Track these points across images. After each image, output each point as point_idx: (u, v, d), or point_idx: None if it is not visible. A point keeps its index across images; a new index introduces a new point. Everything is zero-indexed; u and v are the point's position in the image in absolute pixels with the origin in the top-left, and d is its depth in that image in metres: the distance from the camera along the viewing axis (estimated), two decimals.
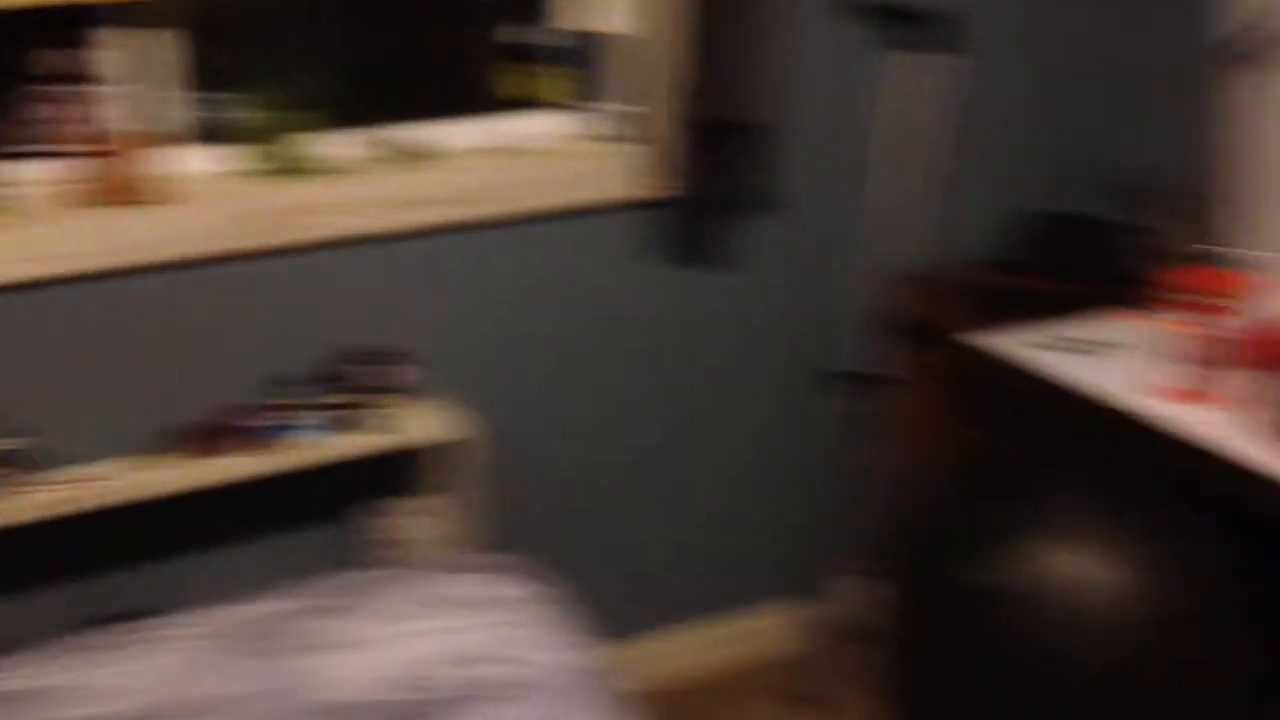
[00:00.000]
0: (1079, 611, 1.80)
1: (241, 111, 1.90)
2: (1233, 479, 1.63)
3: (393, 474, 2.00)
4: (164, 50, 1.84)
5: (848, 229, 2.25)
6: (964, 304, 2.17)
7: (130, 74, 1.81)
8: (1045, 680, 1.83)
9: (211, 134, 1.90)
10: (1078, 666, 1.81)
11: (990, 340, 2.02)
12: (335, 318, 1.94)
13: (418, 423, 1.91)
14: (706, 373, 2.26)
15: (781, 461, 2.36)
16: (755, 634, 2.43)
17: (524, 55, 2.11)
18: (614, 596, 2.24)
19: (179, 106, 1.88)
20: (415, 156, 1.97)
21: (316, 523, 2.02)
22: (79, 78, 1.79)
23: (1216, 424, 1.70)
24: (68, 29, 1.77)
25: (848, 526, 2.32)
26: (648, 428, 2.24)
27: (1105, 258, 2.21)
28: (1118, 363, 1.90)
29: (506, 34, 2.10)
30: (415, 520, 1.99)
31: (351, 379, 1.91)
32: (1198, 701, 1.80)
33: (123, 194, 1.75)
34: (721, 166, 2.03)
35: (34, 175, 1.78)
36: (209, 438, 1.81)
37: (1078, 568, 1.82)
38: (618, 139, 2.07)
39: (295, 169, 1.89)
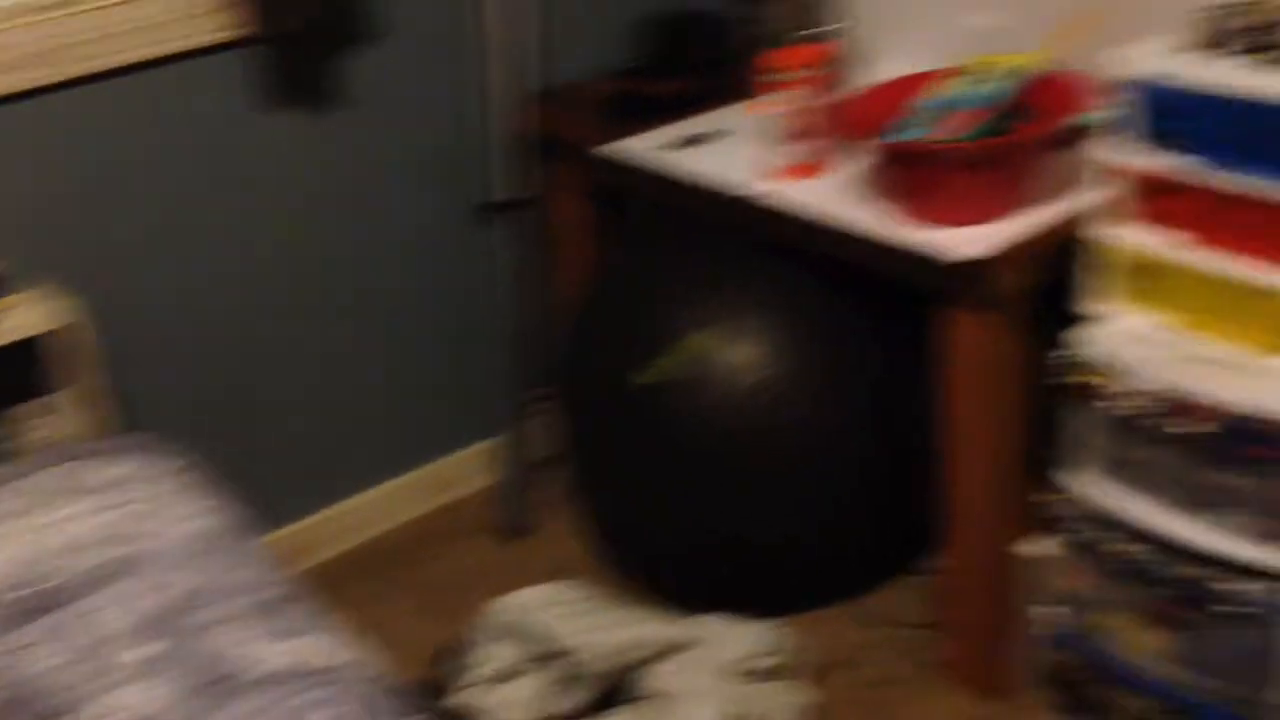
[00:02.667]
0: (737, 394, 1.89)
1: None
2: (841, 243, 1.72)
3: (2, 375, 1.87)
4: None
5: (464, 50, 2.19)
6: (593, 115, 2.17)
7: None
8: (711, 465, 1.93)
9: None
10: (739, 447, 1.92)
11: (618, 148, 2.03)
12: None
13: (16, 317, 1.78)
14: (346, 219, 2.18)
15: (450, 302, 2.34)
16: (454, 479, 2.44)
17: None
18: (293, 468, 2.20)
19: None
20: None
21: None
22: None
23: (826, 194, 1.78)
24: None
25: (525, 356, 2.33)
26: (294, 287, 2.17)
27: (721, 51, 2.26)
28: (736, 150, 1.95)
29: None
30: (38, 420, 1.87)
31: None
32: (841, 466, 1.94)
33: None
34: None
35: None
36: None
37: (732, 353, 1.90)
38: None
39: None
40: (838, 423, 1.91)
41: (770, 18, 2.21)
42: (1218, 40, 1.37)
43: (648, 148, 2.02)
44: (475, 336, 2.36)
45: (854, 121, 1.72)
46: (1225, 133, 1.36)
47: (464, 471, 2.44)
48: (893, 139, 1.65)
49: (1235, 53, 1.36)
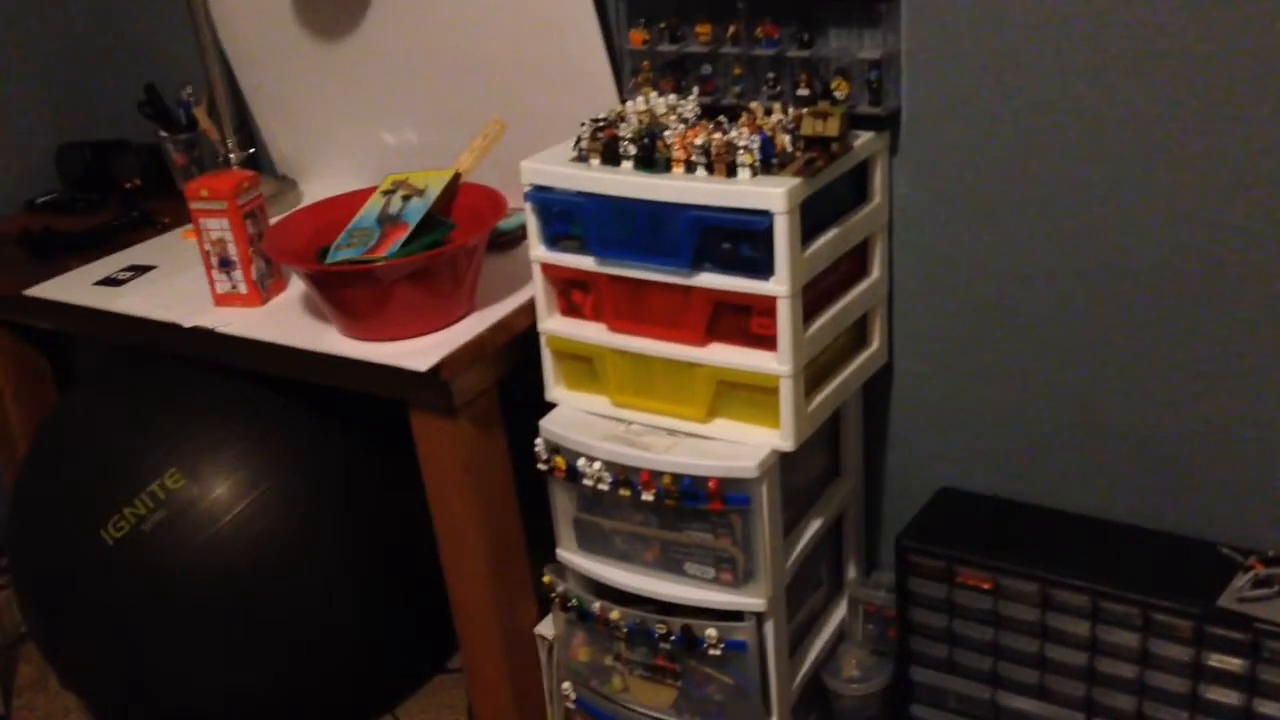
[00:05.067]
0: (220, 532, 1.80)
1: None
2: (294, 364, 1.68)
3: None
4: None
5: None
6: (11, 254, 2.00)
7: None
8: (206, 613, 1.81)
9: None
10: (232, 588, 1.82)
11: (47, 288, 1.90)
12: None
13: None
14: None
15: None
16: None
17: None
18: None
19: None
20: None
21: None
22: None
23: (269, 318, 1.75)
24: None
25: None
26: None
27: (148, 180, 2.17)
28: (172, 281, 1.89)
29: None
30: None
31: None
32: (345, 583, 1.90)
33: None
34: None
35: None
36: None
37: (209, 490, 1.80)
38: None
39: None
40: (334, 541, 1.87)
41: (196, 144, 2.14)
42: (602, 147, 1.49)
43: (79, 285, 1.91)
44: None
45: (286, 246, 1.70)
46: (608, 230, 1.48)
47: None
48: (326, 261, 1.65)
49: (612, 159, 1.48)
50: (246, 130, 2.19)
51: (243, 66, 2.14)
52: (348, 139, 2.06)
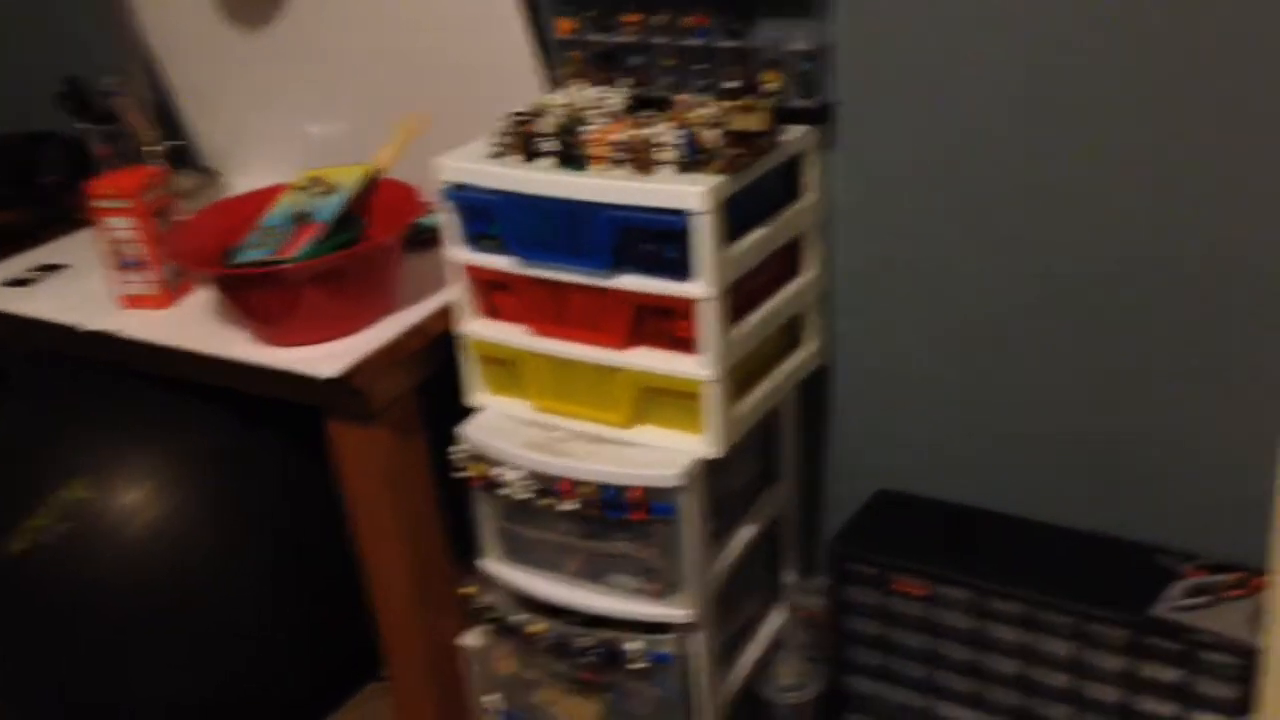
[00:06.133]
0: (131, 543, 1.73)
1: None
2: (204, 369, 1.62)
3: None
4: None
5: None
6: None
7: None
8: (119, 629, 1.74)
9: None
10: (145, 601, 1.75)
11: None
12: None
13: None
14: None
15: None
16: None
17: None
18: None
19: None
20: None
21: None
22: None
23: (178, 322, 1.68)
24: None
25: None
26: None
27: (68, 176, 2.09)
28: (81, 282, 1.82)
29: None
30: None
31: None
32: (265, 594, 1.83)
33: None
34: None
35: None
36: None
37: (117, 499, 1.73)
38: None
39: None
40: (257, 547, 1.80)
41: (120, 136, 2.06)
42: (520, 143, 1.43)
43: None
44: None
45: (193, 246, 1.63)
46: (526, 229, 1.42)
47: None
48: (233, 262, 1.58)
49: (531, 155, 1.42)
50: (171, 122, 2.12)
51: (165, 56, 2.07)
52: (274, 131, 1.98)
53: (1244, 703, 1.38)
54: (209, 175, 2.09)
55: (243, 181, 2.00)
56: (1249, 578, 1.45)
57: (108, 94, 2.11)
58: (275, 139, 1.97)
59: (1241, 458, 1.46)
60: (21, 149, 2.14)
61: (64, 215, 2.02)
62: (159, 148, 2.03)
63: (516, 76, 1.72)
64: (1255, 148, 1.33)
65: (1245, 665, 1.36)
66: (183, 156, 2.11)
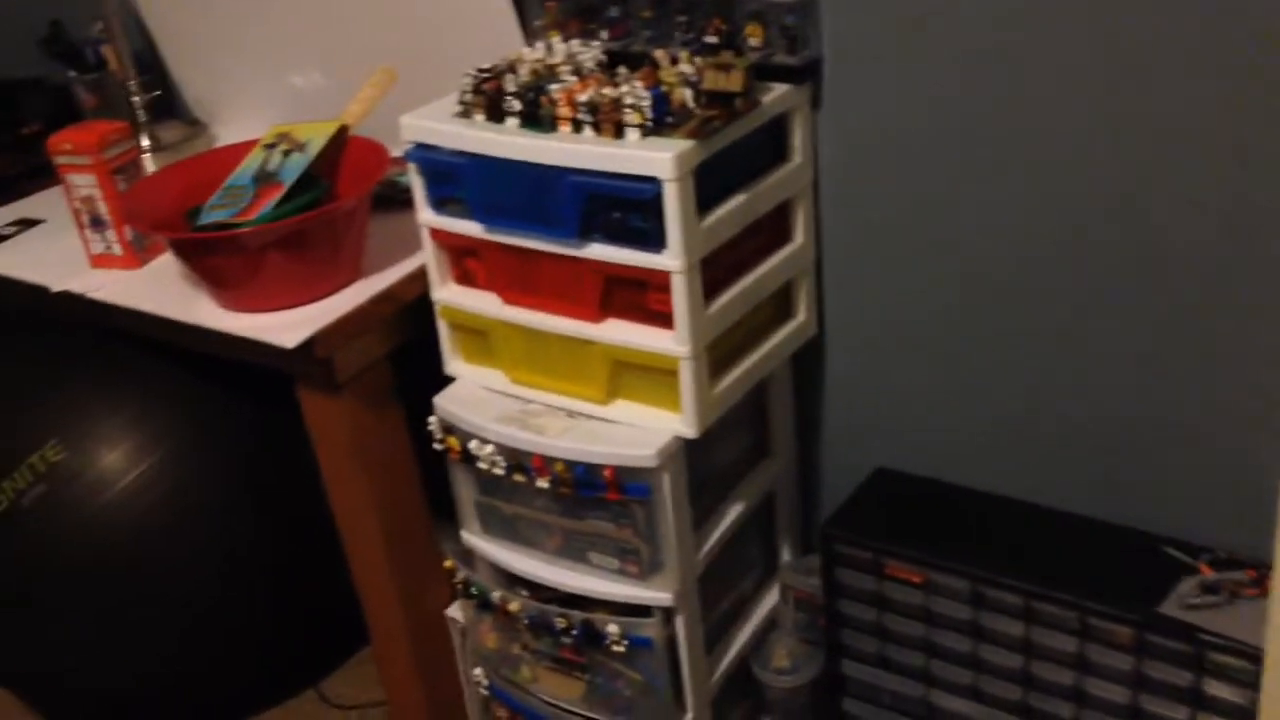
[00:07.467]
0: (105, 506, 1.69)
1: None
2: (173, 333, 1.55)
3: None
4: None
5: None
6: None
7: None
8: (98, 592, 1.71)
9: None
10: (126, 564, 1.72)
11: None
12: None
13: None
14: None
15: None
16: None
17: None
18: None
19: None
20: None
21: None
22: None
23: (143, 284, 1.62)
24: None
25: None
26: None
27: (57, 119, 2.02)
28: (51, 240, 1.76)
29: None
30: None
31: None
32: (244, 557, 1.79)
33: None
34: None
35: None
36: None
37: (92, 460, 1.69)
38: None
39: None
40: (238, 510, 1.76)
41: (107, 84, 1.99)
42: (485, 101, 1.33)
43: None
44: None
45: (151, 206, 1.55)
46: (491, 194, 1.33)
47: None
48: (195, 224, 1.51)
49: (497, 114, 1.33)
50: (156, 71, 2.04)
51: (145, 2, 1.99)
52: (257, 81, 1.90)
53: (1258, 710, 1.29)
54: (196, 127, 2.02)
55: (229, 133, 1.93)
56: (1265, 576, 1.34)
57: (96, 42, 2.05)
58: (258, 90, 1.89)
59: (1258, 444, 1.34)
60: (2, 96, 2.08)
61: (47, 166, 1.96)
62: (144, 98, 1.97)
63: (499, 28, 1.62)
64: (1272, 117, 1.21)
65: (1260, 671, 1.27)
66: (170, 108, 2.05)
